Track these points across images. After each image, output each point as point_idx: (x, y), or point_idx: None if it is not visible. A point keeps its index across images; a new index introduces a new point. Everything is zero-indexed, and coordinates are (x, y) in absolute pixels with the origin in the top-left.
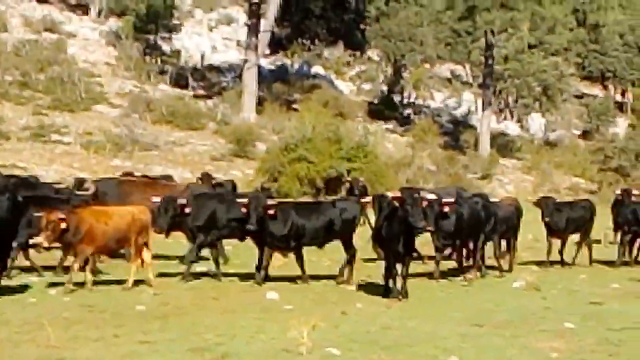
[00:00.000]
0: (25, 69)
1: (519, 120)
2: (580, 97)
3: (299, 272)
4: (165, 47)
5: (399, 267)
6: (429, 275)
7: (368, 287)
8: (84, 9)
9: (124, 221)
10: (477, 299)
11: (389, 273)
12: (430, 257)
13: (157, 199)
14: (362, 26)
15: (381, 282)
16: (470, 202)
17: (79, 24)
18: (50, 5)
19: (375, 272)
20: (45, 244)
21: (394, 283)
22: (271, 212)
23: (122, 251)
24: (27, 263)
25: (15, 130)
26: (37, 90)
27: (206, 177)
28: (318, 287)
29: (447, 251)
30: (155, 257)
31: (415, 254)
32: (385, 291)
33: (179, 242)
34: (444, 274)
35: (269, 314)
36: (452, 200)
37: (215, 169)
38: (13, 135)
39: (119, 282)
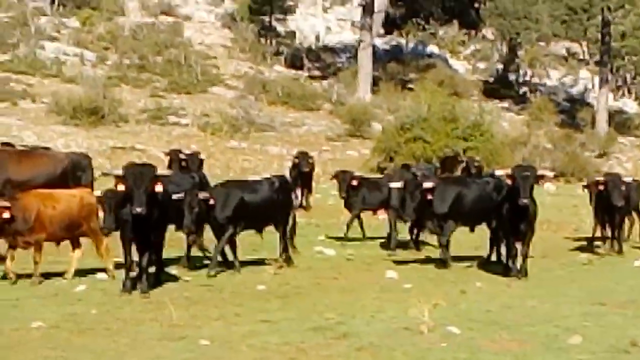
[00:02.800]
0: (142, 52)
1: (637, 98)
2: None
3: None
4: (280, 29)
5: (518, 245)
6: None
7: (487, 266)
8: None
9: (73, 205)
10: (597, 278)
11: (509, 251)
12: None
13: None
14: (476, 5)
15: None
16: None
17: (194, 6)
18: None
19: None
20: None
21: (514, 262)
22: (212, 202)
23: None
24: None
25: (133, 112)
26: (155, 73)
27: None
28: (436, 266)
29: None
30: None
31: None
32: (504, 270)
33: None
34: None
35: (388, 293)
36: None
37: (331, 149)
38: (131, 117)
39: (241, 262)
